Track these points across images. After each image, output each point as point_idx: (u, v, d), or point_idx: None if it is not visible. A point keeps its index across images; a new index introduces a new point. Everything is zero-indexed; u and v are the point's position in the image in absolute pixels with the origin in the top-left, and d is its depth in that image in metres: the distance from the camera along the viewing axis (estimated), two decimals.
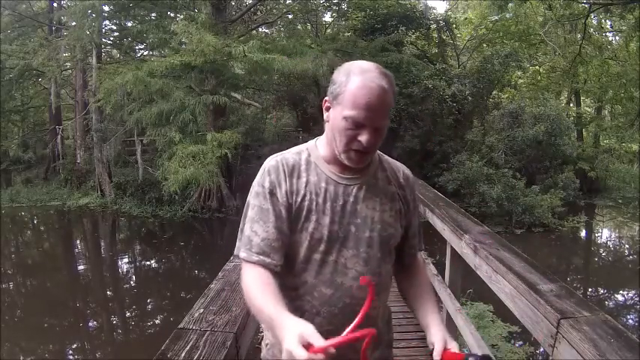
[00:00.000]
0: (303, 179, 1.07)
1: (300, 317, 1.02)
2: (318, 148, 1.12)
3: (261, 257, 1.02)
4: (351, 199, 1.07)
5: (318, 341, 0.78)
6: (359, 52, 11.75)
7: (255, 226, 1.04)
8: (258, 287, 0.99)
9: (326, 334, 1.04)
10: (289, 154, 1.11)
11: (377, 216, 1.08)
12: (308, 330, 0.81)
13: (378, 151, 1.16)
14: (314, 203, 1.05)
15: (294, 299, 1.06)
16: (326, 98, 1.06)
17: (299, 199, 1.05)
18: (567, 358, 1.26)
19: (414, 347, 3.02)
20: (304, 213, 1.05)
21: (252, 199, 1.07)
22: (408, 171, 1.20)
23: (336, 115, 1.01)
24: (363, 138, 0.99)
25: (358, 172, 1.09)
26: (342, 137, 1.01)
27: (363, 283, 0.93)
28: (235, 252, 1.09)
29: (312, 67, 9.52)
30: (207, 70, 10.04)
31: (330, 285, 1.05)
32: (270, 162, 1.09)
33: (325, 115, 1.07)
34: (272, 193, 1.05)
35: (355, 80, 0.99)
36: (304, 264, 1.06)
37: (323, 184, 1.07)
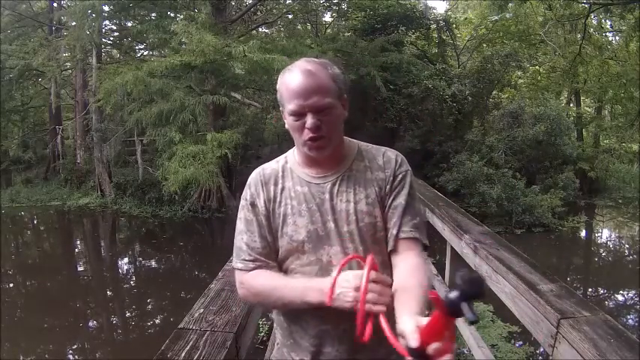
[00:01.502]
0: (280, 186, 1.12)
1: (296, 318, 1.10)
2: (295, 155, 1.16)
3: (257, 264, 1.10)
4: (327, 196, 1.08)
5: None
6: (359, 52, 11.74)
7: (244, 237, 1.12)
8: (273, 280, 1.07)
9: (321, 334, 1.08)
10: (268, 165, 1.18)
11: (352, 208, 1.08)
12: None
13: (359, 142, 1.17)
14: (289, 207, 1.09)
15: None
16: (280, 109, 1.11)
17: (276, 206, 1.11)
18: (567, 358, 1.26)
19: None
20: (282, 218, 1.09)
21: (240, 211, 1.15)
22: (392, 152, 1.15)
23: (286, 117, 1.07)
24: (307, 122, 1.01)
25: (331, 169, 1.11)
26: (295, 132, 1.06)
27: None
28: (233, 265, 1.15)
29: None
30: (207, 70, 10.03)
31: None
32: (252, 175, 1.17)
33: (285, 122, 1.10)
34: (253, 205, 1.12)
35: (284, 78, 1.06)
36: (292, 265, 1.09)
37: (298, 188, 1.10)
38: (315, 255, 1.06)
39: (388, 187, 1.10)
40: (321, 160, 1.10)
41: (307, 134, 1.03)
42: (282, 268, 1.12)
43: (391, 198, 1.09)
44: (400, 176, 1.11)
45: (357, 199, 1.08)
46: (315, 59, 1.07)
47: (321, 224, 1.06)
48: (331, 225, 1.06)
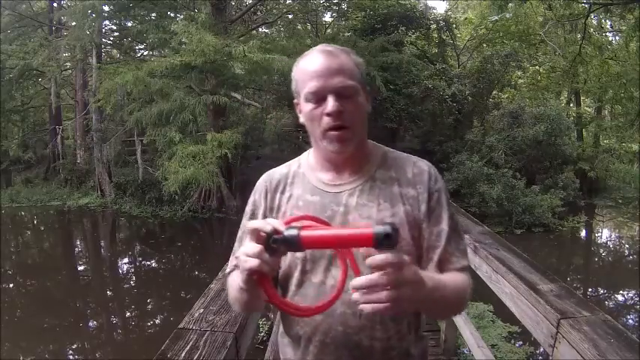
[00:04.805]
0: (287, 194, 1.00)
1: (297, 346, 0.99)
2: (310, 157, 1.04)
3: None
4: (341, 208, 0.94)
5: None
6: (359, 52, 11.71)
7: (239, 245, 1.03)
8: (233, 279, 0.96)
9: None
10: (278, 169, 1.07)
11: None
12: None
13: (385, 148, 1.04)
14: None
15: (293, 325, 0.99)
16: (294, 101, 0.99)
17: (280, 217, 0.97)
18: (567, 358, 1.26)
19: None
20: None
21: (244, 216, 1.07)
22: (424, 164, 0.99)
23: (302, 103, 0.94)
24: (328, 106, 0.88)
25: (350, 176, 0.97)
26: (313, 122, 0.92)
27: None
28: None
29: None
30: (207, 70, 10.03)
31: None
32: (259, 180, 1.07)
33: (300, 116, 0.98)
34: (253, 214, 1.04)
35: (299, 63, 0.95)
36: (292, 286, 0.97)
37: (308, 196, 0.97)
38: (316, 276, 0.93)
39: (424, 207, 0.94)
40: (339, 163, 0.97)
41: (327, 122, 0.89)
42: (284, 287, 1.00)
43: (429, 222, 0.94)
44: (436, 195, 0.95)
45: (381, 216, 0.91)
46: (335, 45, 0.96)
47: None
48: None
